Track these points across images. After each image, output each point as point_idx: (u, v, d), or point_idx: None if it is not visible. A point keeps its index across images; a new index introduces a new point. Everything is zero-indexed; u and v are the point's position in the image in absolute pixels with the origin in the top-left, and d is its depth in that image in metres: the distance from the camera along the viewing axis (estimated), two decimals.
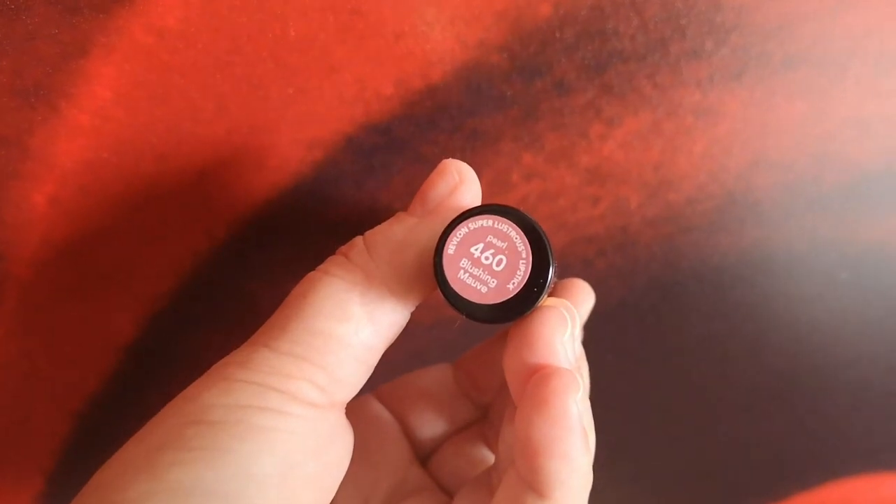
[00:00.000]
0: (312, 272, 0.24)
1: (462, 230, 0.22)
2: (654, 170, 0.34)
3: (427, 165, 0.32)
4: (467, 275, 0.22)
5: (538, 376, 0.22)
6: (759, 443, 0.47)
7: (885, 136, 0.35)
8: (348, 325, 0.22)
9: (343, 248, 0.24)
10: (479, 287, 0.22)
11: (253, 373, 0.22)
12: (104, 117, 0.28)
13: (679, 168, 0.34)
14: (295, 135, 0.30)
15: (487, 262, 0.22)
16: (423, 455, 0.32)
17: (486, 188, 0.33)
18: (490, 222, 0.22)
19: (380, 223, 0.33)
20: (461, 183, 0.24)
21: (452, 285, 0.22)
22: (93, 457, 0.37)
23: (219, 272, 0.33)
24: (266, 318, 0.34)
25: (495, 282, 0.22)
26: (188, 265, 0.32)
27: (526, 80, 0.30)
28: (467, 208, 0.23)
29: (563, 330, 0.23)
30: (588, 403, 0.25)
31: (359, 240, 0.24)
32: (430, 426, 0.31)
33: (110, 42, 0.26)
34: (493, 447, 0.30)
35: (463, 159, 0.31)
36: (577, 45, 0.30)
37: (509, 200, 0.33)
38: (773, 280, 0.39)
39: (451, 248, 0.22)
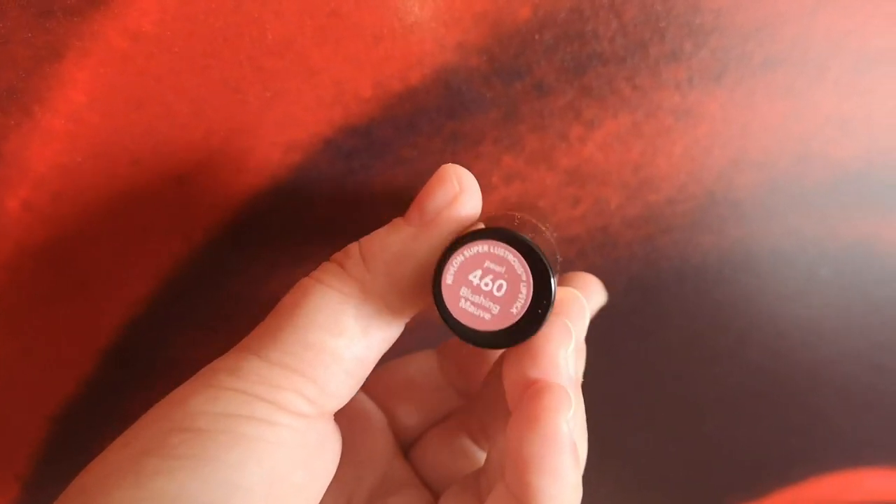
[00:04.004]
0: (306, 279, 0.23)
1: (458, 258, 0.21)
2: (634, 171, 0.34)
3: (407, 168, 0.32)
4: (468, 303, 0.22)
5: (532, 391, 0.22)
6: (742, 440, 0.47)
7: (866, 135, 0.35)
8: (341, 339, 0.22)
9: (338, 256, 0.24)
10: (481, 315, 0.22)
11: (242, 381, 0.21)
12: (79, 122, 0.27)
13: (659, 169, 0.34)
14: (273, 137, 0.29)
15: (488, 289, 0.21)
16: (407, 444, 0.31)
17: None
18: (486, 248, 0.21)
19: (360, 225, 0.33)
20: (461, 192, 0.23)
21: (455, 315, 0.22)
22: (70, 462, 0.36)
23: (197, 276, 0.32)
24: (246, 321, 0.34)
25: (498, 307, 0.22)
26: (166, 269, 0.32)
27: (505, 82, 0.30)
28: (460, 234, 0.22)
29: (567, 343, 0.23)
30: (582, 417, 0.25)
31: (354, 249, 0.24)
32: (415, 416, 0.31)
33: (85, 46, 0.26)
34: (477, 440, 0.30)
35: (443, 161, 0.31)
36: (557, 48, 0.30)
37: (490, 202, 0.33)
38: (754, 278, 0.39)
39: (448, 277, 0.22)
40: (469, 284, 0.22)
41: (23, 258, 0.30)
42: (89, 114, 0.27)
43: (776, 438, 0.47)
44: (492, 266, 0.21)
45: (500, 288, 0.21)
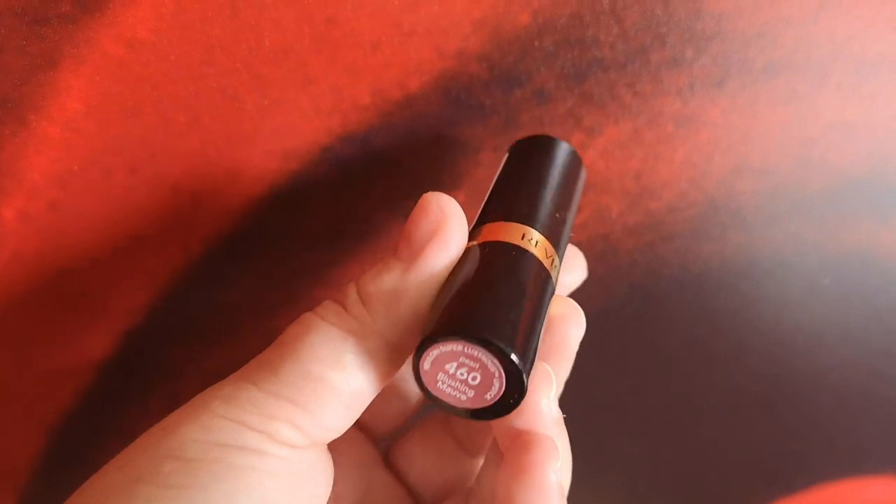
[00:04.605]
0: (308, 314, 0.24)
1: (434, 351, 0.22)
2: (634, 178, 0.33)
3: (406, 176, 0.31)
4: (446, 385, 0.22)
5: (520, 442, 0.23)
6: (743, 448, 0.47)
7: (868, 141, 0.35)
8: (341, 373, 0.22)
9: (338, 297, 0.24)
10: (458, 395, 0.22)
11: (236, 410, 0.22)
12: (74, 130, 0.27)
13: (660, 176, 0.33)
14: (270, 146, 0.29)
15: (463, 378, 0.22)
16: (385, 444, 0.31)
17: (466, 199, 0.32)
18: (460, 347, 0.21)
19: (358, 234, 0.33)
20: (445, 219, 0.23)
21: (433, 392, 0.23)
22: (67, 474, 0.36)
23: (195, 285, 0.32)
24: (244, 330, 0.34)
25: (473, 392, 0.22)
26: (164, 279, 0.32)
27: (505, 89, 0.30)
28: (433, 330, 0.22)
29: (548, 391, 0.24)
30: (567, 453, 0.25)
31: (352, 289, 0.24)
32: (386, 416, 0.31)
33: (80, 54, 0.26)
34: (464, 444, 0.30)
35: (442, 170, 0.31)
36: (557, 54, 0.29)
37: None
38: (755, 285, 0.39)
39: (426, 364, 0.22)
40: (445, 372, 0.22)
41: (19, 268, 0.30)
42: (85, 122, 0.27)
43: (777, 445, 0.47)
44: (466, 361, 0.22)
45: (474, 378, 0.22)
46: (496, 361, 0.21)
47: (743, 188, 0.35)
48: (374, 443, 0.31)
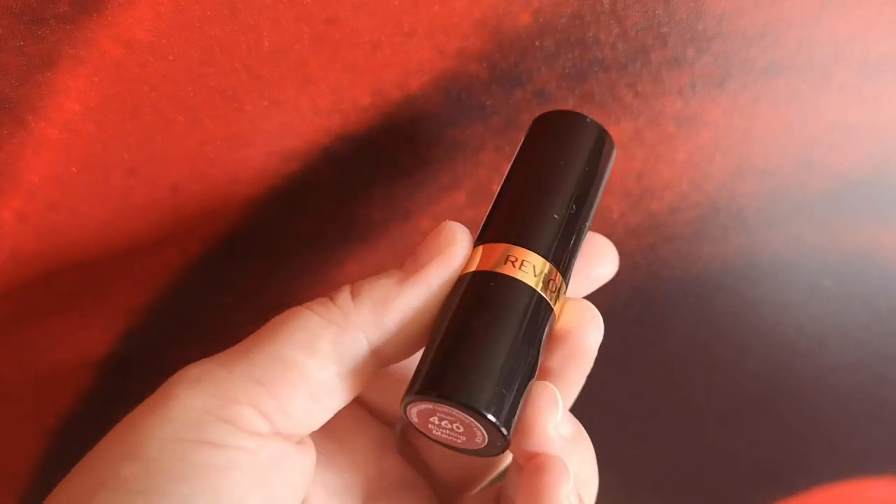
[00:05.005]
0: (296, 306, 0.24)
1: (415, 408, 0.22)
2: (636, 179, 0.33)
3: (406, 176, 0.31)
4: (438, 431, 0.23)
5: (532, 465, 0.23)
6: (745, 449, 0.47)
7: (870, 142, 0.34)
8: (313, 359, 0.22)
9: (329, 294, 0.25)
10: (453, 438, 0.23)
11: (198, 396, 0.22)
12: (73, 131, 0.27)
13: (661, 177, 0.33)
14: (270, 147, 0.29)
15: (448, 427, 0.23)
16: (402, 422, 0.31)
17: (467, 199, 0.32)
18: (431, 406, 0.22)
19: (358, 235, 0.33)
20: (451, 243, 0.24)
21: (431, 437, 0.23)
22: None
23: (194, 287, 0.32)
24: (243, 331, 0.34)
25: (464, 438, 0.23)
26: (162, 280, 0.32)
27: (506, 89, 0.30)
28: (408, 390, 0.22)
29: (554, 414, 0.23)
30: (591, 462, 0.26)
31: (346, 287, 0.24)
32: (398, 397, 0.31)
33: (78, 54, 0.26)
34: None
35: (442, 170, 0.31)
36: (558, 54, 0.29)
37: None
38: (756, 287, 0.39)
39: (413, 416, 0.23)
40: (433, 423, 0.23)
41: (17, 269, 0.30)
42: (83, 123, 0.27)
43: (778, 447, 0.47)
44: (445, 416, 0.22)
45: (458, 428, 0.22)
46: (471, 419, 0.22)
47: (744, 189, 0.35)
48: (388, 425, 0.30)
